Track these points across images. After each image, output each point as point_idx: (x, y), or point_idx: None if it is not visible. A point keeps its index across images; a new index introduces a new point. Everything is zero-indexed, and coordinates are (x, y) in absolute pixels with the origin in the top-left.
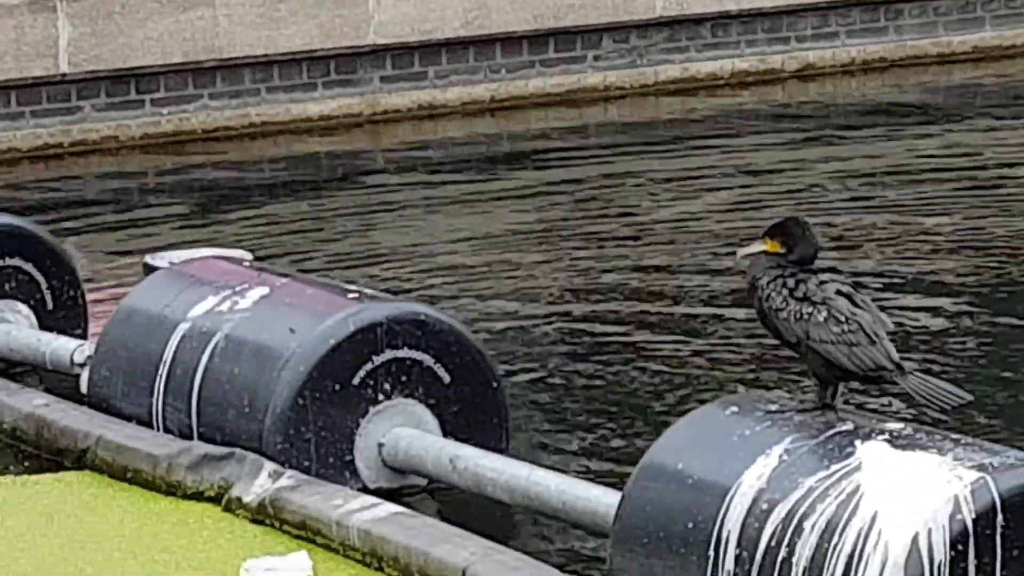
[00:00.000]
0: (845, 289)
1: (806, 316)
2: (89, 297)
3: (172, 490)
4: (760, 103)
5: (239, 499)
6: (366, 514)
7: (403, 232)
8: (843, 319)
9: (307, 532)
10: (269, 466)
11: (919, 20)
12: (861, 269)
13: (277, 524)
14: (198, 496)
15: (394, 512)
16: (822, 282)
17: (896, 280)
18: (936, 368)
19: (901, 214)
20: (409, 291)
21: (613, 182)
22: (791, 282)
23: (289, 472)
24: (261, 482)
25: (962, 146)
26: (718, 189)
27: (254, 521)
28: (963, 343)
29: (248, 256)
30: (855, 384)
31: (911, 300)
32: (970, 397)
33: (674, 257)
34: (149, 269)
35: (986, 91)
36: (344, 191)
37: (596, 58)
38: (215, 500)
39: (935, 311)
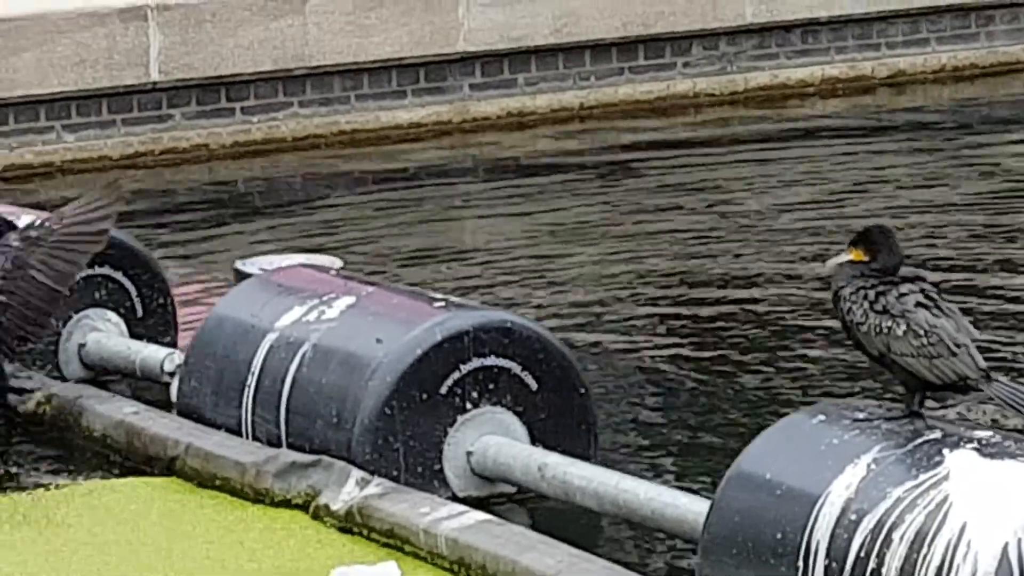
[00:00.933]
0: (925, 299)
1: (886, 330)
2: (179, 304)
3: (260, 498)
4: (850, 110)
5: (326, 506)
6: (454, 522)
7: (492, 238)
8: (922, 332)
9: (395, 540)
10: (356, 473)
11: (1010, 26)
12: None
13: (365, 532)
14: (285, 504)
15: (482, 520)
16: (902, 294)
17: (983, 283)
18: None
19: (986, 213)
20: (496, 296)
21: (702, 190)
22: (872, 294)
23: (376, 480)
24: (348, 489)
25: None
26: (807, 197)
27: (341, 529)
28: None
29: (338, 263)
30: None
31: (1000, 303)
32: None
33: (763, 264)
34: (240, 275)
35: None
36: (433, 198)
37: (685, 65)
38: (302, 508)
39: None
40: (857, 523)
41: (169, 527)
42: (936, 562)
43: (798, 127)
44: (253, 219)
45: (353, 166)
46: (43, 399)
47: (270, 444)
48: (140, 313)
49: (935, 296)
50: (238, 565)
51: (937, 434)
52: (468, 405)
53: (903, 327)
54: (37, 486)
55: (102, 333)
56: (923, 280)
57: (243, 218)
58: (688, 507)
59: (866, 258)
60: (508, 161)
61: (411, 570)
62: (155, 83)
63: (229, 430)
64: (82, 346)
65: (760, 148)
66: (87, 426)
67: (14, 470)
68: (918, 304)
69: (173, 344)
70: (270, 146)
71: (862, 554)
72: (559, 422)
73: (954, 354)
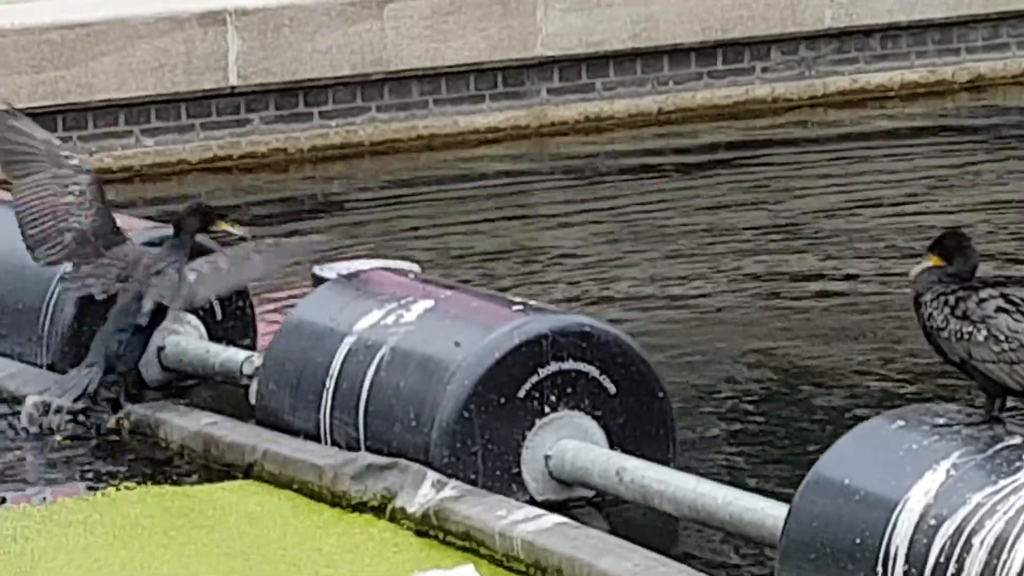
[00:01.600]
0: (1007, 304)
1: (966, 335)
2: (258, 308)
3: (337, 500)
4: (929, 114)
5: (403, 509)
6: (530, 525)
7: (571, 242)
8: (1003, 337)
9: (471, 543)
10: (432, 476)
11: None
12: None
13: (440, 535)
14: (362, 506)
15: (558, 523)
16: (982, 299)
17: None
18: None
19: None
20: (577, 301)
21: (783, 191)
22: (952, 299)
23: (452, 482)
24: (425, 492)
25: None
26: (889, 201)
27: (418, 532)
28: None
29: (415, 267)
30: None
31: None
32: None
33: (843, 267)
34: (317, 279)
35: None
36: (511, 203)
37: (764, 70)
38: (379, 510)
39: None
40: (936, 528)
41: (245, 531)
42: (1016, 568)
43: (878, 130)
44: (331, 222)
45: (431, 171)
46: (123, 415)
47: (348, 448)
48: (219, 316)
49: (1017, 301)
50: (314, 571)
51: (1017, 439)
52: (546, 409)
53: (984, 332)
54: (123, 487)
55: (181, 336)
56: (1004, 285)
57: (321, 222)
58: (766, 511)
59: (943, 263)
60: (585, 165)
61: (487, 573)
62: (233, 87)
63: (308, 434)
64: (161, 349)
65: (838, 151)
66: (165, 437)
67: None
68: (999, 309)
69: (252, 347)
70: (348, 150)
71: (941, 559)
72: (637, 426)
73: None
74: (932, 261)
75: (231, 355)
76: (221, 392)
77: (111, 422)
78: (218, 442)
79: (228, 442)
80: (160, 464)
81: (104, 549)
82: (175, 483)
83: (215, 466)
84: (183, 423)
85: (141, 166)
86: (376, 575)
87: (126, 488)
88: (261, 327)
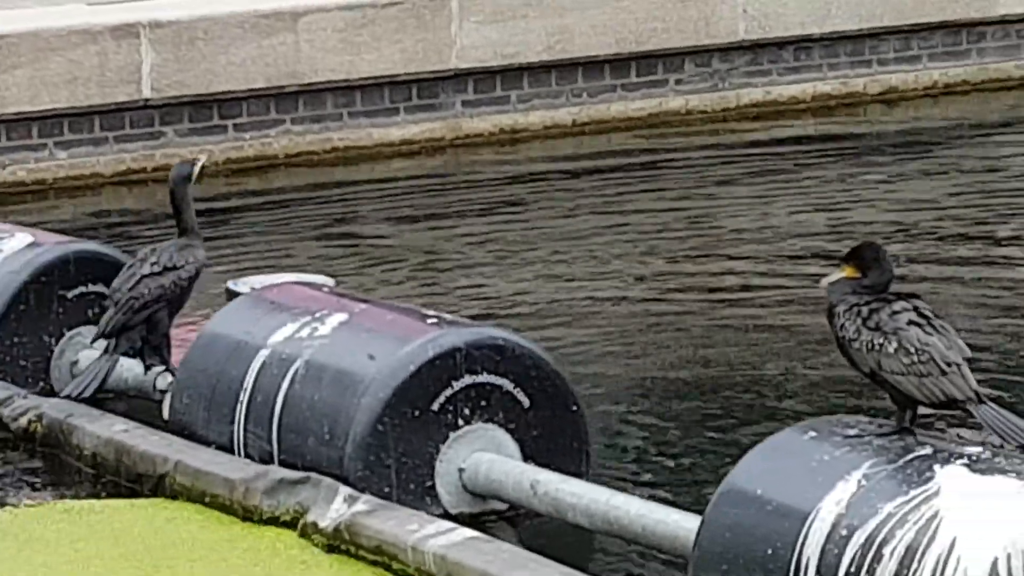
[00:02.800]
0: (918, 317)
1: (878, 347)
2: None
3: (249, 515)
4: (842, 127)
5: (314, 524)
6: (442, 539)
7: (485, 255)
8: (913, 350)
9: (383, 557)
10: (344, 490)
11: (1001, 43)
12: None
13: (352, 550)
14: (273, 521)
15: (470, 537)
16: (895, 312)
17: (977, 303)
18: None
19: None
20: (491, 314)
21: (694, 205)
22: (865, 311)
23: (365, 497)
24: (337, 507)
25: None
26: (801, 211)
27: (329, 548)
28: None
29: (330, 281)
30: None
31: (991, 322)
32: None
33: (754, 279)
34: (232, 294)
35: None
36: (426, 214)
37: (678, 82)
38: (291, 525)
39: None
40: (848, 539)
41: (152, 544)
42: None
43: (790, 141)
44: (245, 237)
45: (346, 184)
46: (34, 417)
47: (262, 461)
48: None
49: (928, 314)
50: None
51: (928, 450)
52: (460, 422)
53: (894, 344)
54: (24, 504)
55: (94, 350)
56: (917, 298)
57: (235, 237)
58: (679, 523)
59: (858, 275)
60: (499, 177)
61: None
62: (147, 100)
63: (221, 447)
64: (74, 363)
65: (751, 164)
66: (77, 444)
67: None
68: (911, 322)
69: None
70: (262, 163)
71: (852, 569)
72: (551, 439)
73: (944, 373)
74: (847, 272)
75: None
76: (135, 405)
77: None
78: (130, 451)
79: (140, 452)
80: (70, 473)
81: (7, 563)
82: (86, 495)
83: (126, 478)
84: (95, 430)
85: (55, 179)
86: None
87: (29, 502)
88: (174, 343)
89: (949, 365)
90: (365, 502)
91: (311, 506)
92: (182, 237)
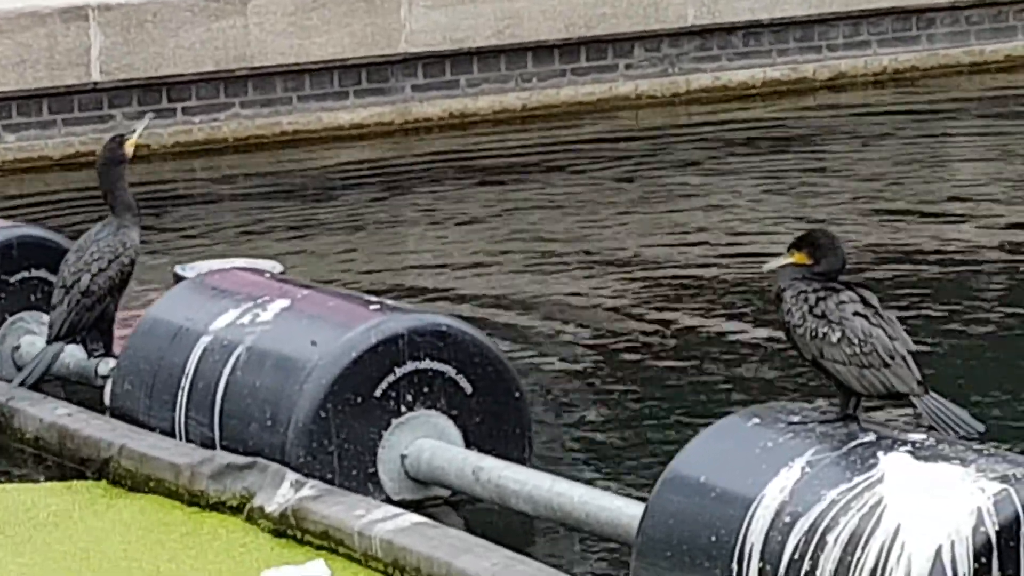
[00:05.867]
0: (866, 309)
1: (821, 335)
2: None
3: (195, 500)
4: (791, 112)
5: (261, 508)
6: (388, 524)
7: (433, 240)
8: (856, 340)
9: (329, 542)
10: (291, 476)
11: (951, 29)
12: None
13: (299, 535)
14: (220, 506)
15: (416, 522)
16: (842, 301)
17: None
18: None
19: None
20: (437, 300)
21: (643, 192)
22: (812, 298)
23: (312, 482)
24: (283, 492)
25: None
26: (751, 199)
27: (276, 532)
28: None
29: (278, 267)
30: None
31: (943, 308)
32: (982, 428)
33: (702, 268)
34: (179, 279)
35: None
36: (376, 200)
37: (627, 67)
38: (237, 510)
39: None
40: (791, 525)
41: (90, 527)
42: (870, 564)
43: (739, 127)
44: (194, 221)
45: (294, 168)
46: None
47: (204, 447)
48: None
49: (875, 305)
50: (155, 566)
51: (871, 437)
52: (403, 408)
53: (838, 334)
54: None
55: (36, 336)
56: (865, 288)
57: (184, 220)
58: (622, 510)
59: (809, 261)
60: (448, 163)
61: (345, 572)
62: (96, 83)
63: (163, 432)
64: (16, 349)
65: (703, 150)
66: (19, 427)
67: None
68: (856, 313)
69: (109, 348)
70: (211, 146)
71: (796, 556)
72: (494, 426)
73: (887, 365)
74: (796, 258)
75: (86, 355)
76: (75, 391)
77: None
78: (73, 436)
79: (84, 436)
80: (11, 456)
81: None
82: (23, 479)
83: (70, 461)
84: (37, 412)
85: (3, 162)
86: (222, 571)
87: None
88: (116, 330)
89: (892, 357)
90: (312, 487)
91: (257, 491)
92: (116, 217)
